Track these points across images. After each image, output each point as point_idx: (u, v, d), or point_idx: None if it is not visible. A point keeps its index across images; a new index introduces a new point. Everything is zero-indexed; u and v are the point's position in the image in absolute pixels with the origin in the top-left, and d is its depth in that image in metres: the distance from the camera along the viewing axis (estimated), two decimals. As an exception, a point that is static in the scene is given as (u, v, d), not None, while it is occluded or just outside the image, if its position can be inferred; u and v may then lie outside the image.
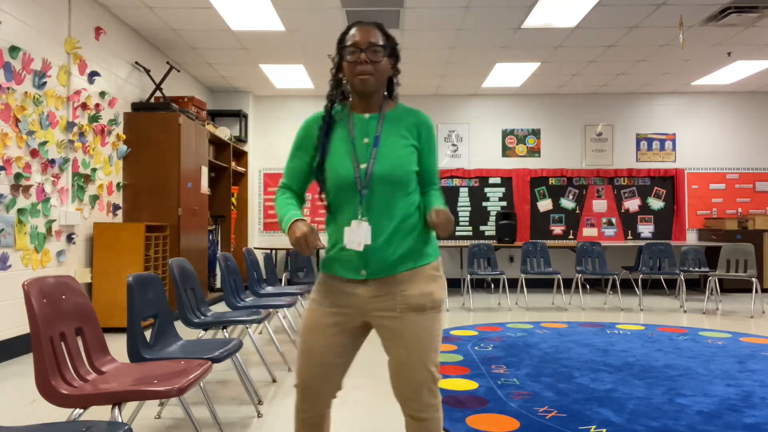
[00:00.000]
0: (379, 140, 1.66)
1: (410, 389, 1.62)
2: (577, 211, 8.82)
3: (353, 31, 1.65)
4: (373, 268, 1.62)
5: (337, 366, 1.67)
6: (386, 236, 1.62)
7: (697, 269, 7.06)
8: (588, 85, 8.35)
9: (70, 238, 4.79)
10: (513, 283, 8.45)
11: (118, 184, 5.61)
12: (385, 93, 1.75)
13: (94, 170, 5.14)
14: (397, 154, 1.64)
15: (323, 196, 1.72)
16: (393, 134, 1.67)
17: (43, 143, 4.38)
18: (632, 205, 8.81)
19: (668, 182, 8.81)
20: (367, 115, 1.69)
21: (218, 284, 7.77)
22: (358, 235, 1.59)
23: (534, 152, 8.86)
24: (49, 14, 4.54)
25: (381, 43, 1.64)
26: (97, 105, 5.23)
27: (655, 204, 8.80)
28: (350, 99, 1.74)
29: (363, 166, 1.63)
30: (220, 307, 6.57)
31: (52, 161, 4.50)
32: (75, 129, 4.83)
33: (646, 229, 8.79)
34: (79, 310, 2.03)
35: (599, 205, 8.81)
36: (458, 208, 8.81)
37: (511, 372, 3.75)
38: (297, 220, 1.58)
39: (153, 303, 2.57)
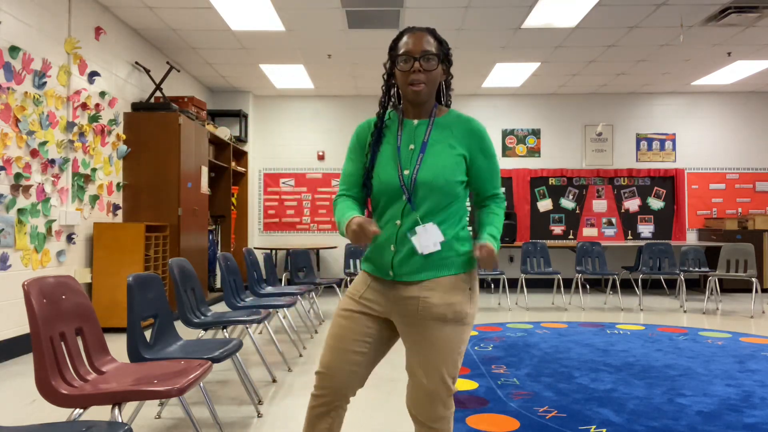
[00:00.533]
0: (426, 147, 1.64)
1: (423, 398, 1.61)
2: (577, 211, 8.82)
3: (406, 38, 1.63)
4: (400, 270, 1.63)
5: (359, 355, 1.65)
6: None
7: (697, 269, 7.06)
8: (588, 85, 8.36)
9: (70, 238, 4.79)
10: (513, 283, 8.45)
11: (118, 184, 5.61)
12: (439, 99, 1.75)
13: (94, 170, 5.14)
14: (443, 162, 1.62)
15: (370, 202, 1.75)
16: (440, 141, 1.66)
17: (43, 143, 4.38)
18: (632, 205, 8.81)
19: (668, 182, 8.81)
20: (416, 122, 1.69)
21: (218, 284, 7.77)
22: (426, 238, 1.59)
23: (534, 152, 8.86)
24: (49, 14, 4.54)
25: (434, 51, 1.62)
26: (97, 105, 5.23)
27: (655, 204, 8.80)
28: (401, 105, 1.73)
29: (406, 172, 1.62)
30: (220, 307, 6.57)
31: (52, 161, 4.50)
32: (75, 129, 4.83)
33: (646, 229, 8.79)
34: (79, 310, 2.03)
35: (599, 205, 8.81)
36: (458, 208, 8.80)
37: (511, 372, 3.75)
38: (352, 218, 1.57)
39: (153, 303, 2.57)
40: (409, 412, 1.67)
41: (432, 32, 1.65)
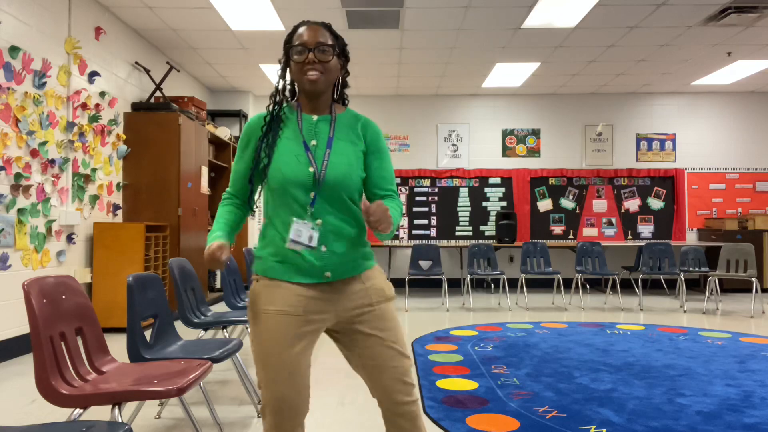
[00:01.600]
0: (332, 143, 1.63)
1: (398, 376, 1.62)
2: (577, 211, 8.82)
3: (301, 30, 1.62)
4: (339, 270, 1.60)
5: (307, 378, 1.59)
6: (346, 241, 1.61)
7: (697, 269, 7.06)
8: (588, 85, 8.35)
9: (70, 238, 4.79)
10: (513, 283, 8.45)
11: (118, 184, 5.61)
12: (335, 96, 1.74)
13: (94, 170, 5.14)
14: (348, 160, 1.62)
15: (255, 198, 1.70)
16: (343, 139, 1.65)
17: (43, 143, 4.38)
18: (632, 205, 8.81)
19: (668, 182, 8.81)
20: (315, 117, 1.66)
21: (218, 284, 7.77)
22: (305, 234, 1.56)
23: (534, 152, 8.86)
24: (49, 14, 4.54)
25: (329, 42, 1.61)
26: (97, 105, 5.23)
27: (655, 204, 8.80)
28: (297, 100, 1.71)
29: (311, 169, 1.59)
30: (220, 307, 6.57)
31: (52, 161, 4.50)
32: (75, 129, 4.83)
33: (646, 229, 8.79)
34: (79, 310, 2.03)
35: (599, 205, 8.81)
36: (458, 208, 8.81)
37: (511, 372, 3.75)
38: (212, 243, 1.56)
39: (153, 303, 2.57)
40: (385, 404, 1.62)
41: (328, 27, 1.64)
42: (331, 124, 1.66)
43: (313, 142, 1.63)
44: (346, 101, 1.77)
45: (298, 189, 1.58)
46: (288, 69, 1.66)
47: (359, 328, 1.63)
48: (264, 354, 1.55)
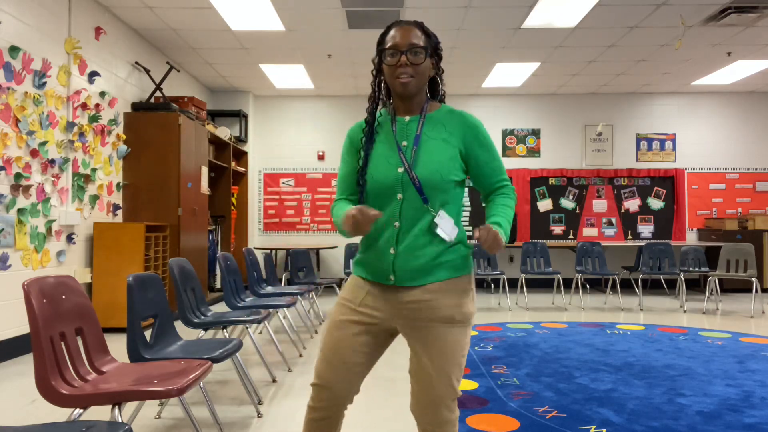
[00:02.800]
0: (419, 142, 1.60)
1: (429, 403, 1.57)
2: (577, 211, 8.82)
3: (393, 31, 1.60)
4: (401, 275, 1.58)
5: (357, 366, 1.61)
6: (416, 243, 1.57)
7: (697, 269, 7.06)
8: (588, 85, 8.35)
9: (70, 238, 4.79)
10: (513, 283, 8.45)
11: (118, 184, 5.61)
12: (428, 94, 1.71)
13: (94, 170, 5.14)
14: (437, 159, 1.58)
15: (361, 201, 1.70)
16: (434, 137, 1.61)
17: (43, 143, 4.38)
18: (632, 205, 8.81)
19: (668, 182, 8.81)
20: (407, 118, 1.65)
21: (218, 284, 7.77)
22: (446, 224, 1.55)
23: (534, 152, 8.86)
24: (49, 14, 4.54)
25: (422, 44, 1.58)
26: (97, 105, 5.23)
27: (655, 204, 8.80)
28: (391, 102, 1.69)
29: (400, 170, 1.58)
30: (220, 307, 6.57)
31: (52, 161, 4.50)
32: (75, 129, 4.83)
33: (646, 229, 8.79)
34: (79, 310, 2.03)
35: (599, 205, 8.81)
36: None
37: (511, 372, 3.75)
38: (347, 210, 1.52)
39: (153, 303, 2.57)
40: (414, 417, 1.62)
41: (420, 25, 1.62)
42: (419, 123, 1.63)
43: (404, 143, 1.62)
44: (443, 98, 1.73)
45: (389, 190, 1.59)
46: (381, 71, 1.65)
47: (408, 340, 1.63)
48: (323, 334, 1.68)
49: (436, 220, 1.56)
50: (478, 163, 1.64)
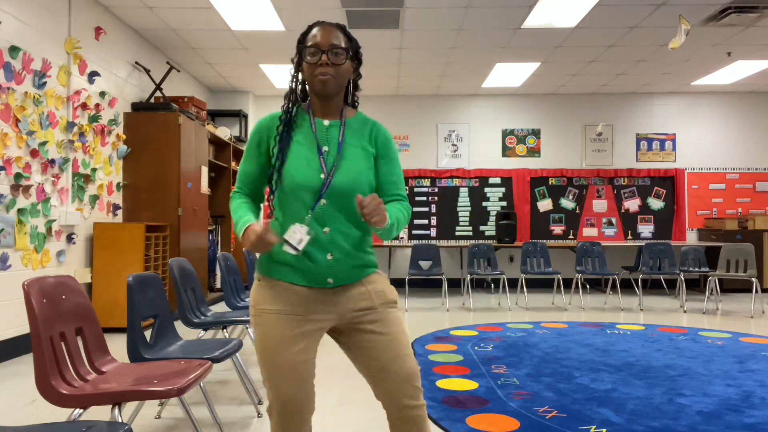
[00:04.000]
0: (342, 149, 1.62)
1: (405, 379, 1.60)
2: (577, 211, 8.82)
3: (315, 31, 1.60)
4: (341, 276, 1.60)
5: (312, 375, 1.60)
6: (353, 245, 1.61)
7: (697, 269, 7.06)
8: (588, 85, 8.35)
9: (70, 238, 4.79)
10: (513, 283, 8.45)
11: (118, 184, 5.61)
12: (346, 99, 1.72)
13: (94, 170, 5.14)
14: (358, 167, 1.61)
15: (271, 198, 1.67)
16: (354, 144, 1.64)
17: (43, 143, 4.38)
18: (632, 205, 8.81)
19: (668, 182, 8.81)
20: (326, 122, 1.65)
21: (218, 284, 7.77)
22: (297, 238, 1.52)
23: (534, 152, 8.86)
24: (49, 14, 4.54)
25: (343, 45, 1.59)
26: (97, 105, 5.23)
27: (655, 204, 8.80)
28: (308, 102, 1.69)
29: (322, 175, 1.58)
30: (220, 307, 6.57)
31: (52, 161, 4.50)
32: (75, 129, 4.83)
33: (646, 229, 8.79)
34: (79, 310, 2.03)
35: (599, 205, 8.81)
36: (458, 208, 8.81)
37: (511, 372, 3.75)
38: (250, 225, 1.52)
39: (153, 303, 2.57)
40: (388, 404, 1.61)
41: (342, 28, 1.63)
42: (340, 129, 1.65)
43: (326, 148, 1.62)
44: (357, 104, 1.75)
45: (308, 194, 1.57)
46: (300, 69, 1.65)
47: (362, 327, 1.63)
48: (267, 354, 1.56)
49: (287, 236, 1.52)
50: (383, 173, 1.69)
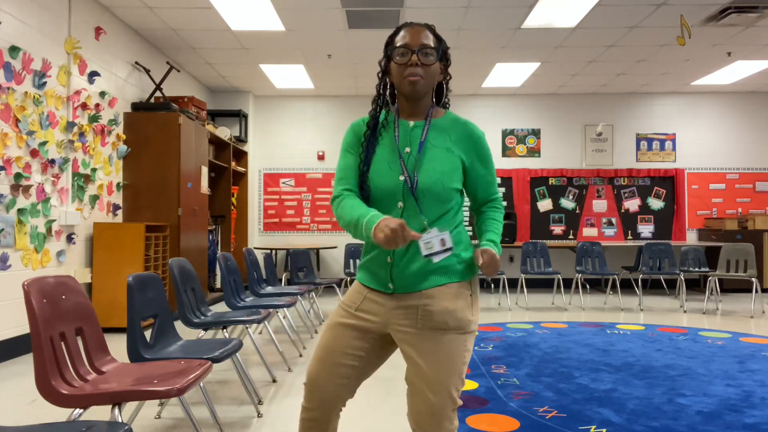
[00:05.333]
0: (423, 149, 1.57)
1: (427, 413, 1.51)
2: (577, 211, 8.82)
3: (404, 32, 1.57)
4: (400, 282, 1.56)
5: (350, 369, 1.59)
6: (413, 252, 1.55)
7: (697, 269, 7.06)
8: (588, 85, 8.35)
9: (70, 238, 4.79)
10: (513, 283, 8.45)
11: (118, 184, 5.61)
12: (434, 100, 1.67)
13: (94, 170, 5.14)
14: (440, 168, 1.56)
15: None
16: (438, 145, 1.59)
17: (43, 143, 4.38)
18: (632, 205, 8.81)
19: (668, 182, 8.81)
20: (411, 123, 1.61)
21: (218, 284, 7.77)
22: (437, 244, 1.46)
23: (534, 152, 8.86)
24: (49, 14, 4.54)
25: (432, 45, 1.56)
26: (97, 105, 5.23)
27: (655, 204, 8.80)
28: (396, 104, 1.66)
29: (402, 177, 1.55)
30: (220, 307, 6.57)
31: (52, 161, 4.50)
32: (75, 129, 4.83)
33: (646, 229, 8.79)
34: (79, 310, 2.03)
35: (599, 205, 8.81)
36: (458, 208, 8.80)
37: (511, 372, 3.75)
38: (381, 220, 1.42)
39: (153, 303, 2.57)
40: (411, 426, 1.57)
41: (431, 28, 1.60)
42: (424, 129, 1.60)
43: (407, 149, 1.58)
44: (447, 105, 1.70)
45: (390, 198, 1.55)
46: (388, 72, 1.62)
47: (402, 344, 1.59)
48: (320, 334, 1.68)
49: (422, 241, 1.46)
50: (477, 176, 1.65)
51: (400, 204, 1.55)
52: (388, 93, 1.66)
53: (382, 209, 1.57)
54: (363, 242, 1.69)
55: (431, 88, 1.62)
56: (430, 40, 1.57)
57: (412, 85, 1.55)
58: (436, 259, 1.46)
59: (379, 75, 1.64)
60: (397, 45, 1.56)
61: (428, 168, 1.55)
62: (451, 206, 1.59)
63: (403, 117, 1.64)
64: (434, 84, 1.61)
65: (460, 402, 1.55)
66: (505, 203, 8.62)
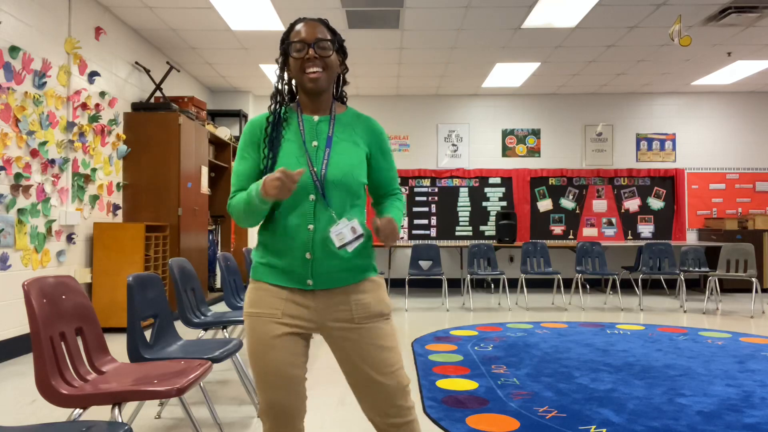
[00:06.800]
0: (331, 143, 1.58)
1: (387, 399, 1.55)
2: (577, 211, 8.82)
3: (298, 27, 1.57)
4: (321, 278, 1.54)
5: (300, 379, 1.56)
6: (332, 246, 1.54)
7: (697, 269, 7.06)
8: (588, 85, 8.35)
9: (70, 238, 4.79)
10: (513, 283, 8.45)
11: (118, 184, 5.61)
12: (334, 95, 1.69)
13: (94, 170, 5.14)
14: (350, 161, 1.58)
15: None
16: (345, 139, 1.61)
17: (43, 143, 4.38)
18: (632, 205, 8.81)
19: (668, 182, 8.81)
20: (316, 118, 1.62)
21: (218, 284, 7.77)
22: (347, 233, 1.50)
23: (534, 152, 8.86)
24: (49, 14, 4.54)
25: (328, 37, 1.57)
26: (97, 105, 5.23)
27: (655, 204, 8.80)
28: (297, 100, 1.66)
29: (312, 170, 1.54)
30: (220, 307, 6.57)
31: (52, 161, 4.50)
32: (75, 129, 4.83)
33: (646, 229, 8.79)
34: (79, 310, 2.03)
35: (599, 205, 8.81)
36: (458, 208, 8.81)
37: (511, 372, 3.75)
38: (264, 179, 1.44)
39: (153, 303, 2.57)
40: (375, 420, 1.57)
41: (325, 22, 1.61)
42: (330, 124, 1.62)
43: (314, 143, 1.58)
44: (345, 99, 1.73)
45: (301, 191, 1.54)
46: (286, 68, 1.62)
47: (341, 342, 1.58)
48: (253, 359, 1.55)
49: (332, 230, 1.51)
50: (380, 170, 1.68)
51: (312, 197, 1.54)
52: (286, 90, 1.67)
53: (292, 203, 1.54)
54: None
55: (332, 82, 1.63)
56: (325, 33, 1.58)
57: (313, 81, 1.56)
58: (350, 248, 1.51)
59: (277, 72, 1.64)
60: (293, 40, 1.57)
61: (338, 161, 1.57)
62: (360, 201, 1.61)
63: (306, 112, 1.64)
64: (334, 77, 1.63)
65: (409, 379, 1.61)
66: (504, 203, 8.72)
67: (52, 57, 4.57)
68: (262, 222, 1.60)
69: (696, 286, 8.70)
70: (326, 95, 1.63)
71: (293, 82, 1.67)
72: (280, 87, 1.64)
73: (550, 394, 3.25)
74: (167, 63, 6.59)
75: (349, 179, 1.56)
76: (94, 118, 5.12)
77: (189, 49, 6.62)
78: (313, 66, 1.55)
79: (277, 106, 1.63)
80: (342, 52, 1.65)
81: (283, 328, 1.54)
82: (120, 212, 5.66)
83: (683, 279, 6.83)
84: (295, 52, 1.56)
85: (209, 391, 3.38)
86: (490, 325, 5.58)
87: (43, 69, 4.42)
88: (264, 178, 1.44)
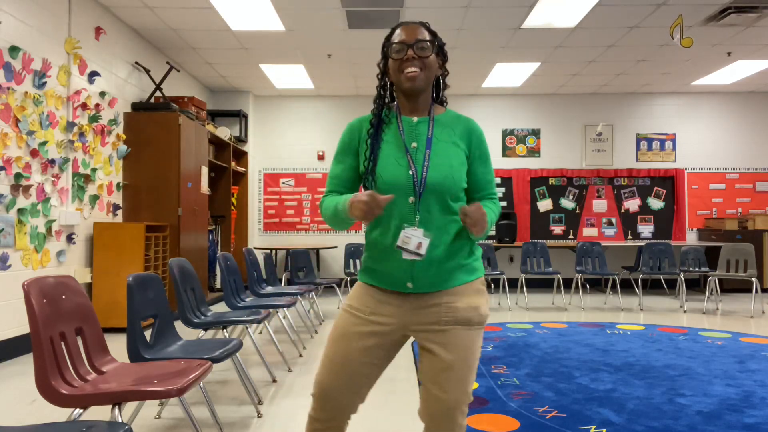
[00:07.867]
0: (431, 144, 1.58)
1: (444, 409, 1.52)
2: (577, 211, 8.82)
3: (399, 30, 1.59)
4: (423, 281, 1.54)
5: (365, 378, 1.57)
6: (441, 250, 1.54)
7: (697, 269, 7.06)
8: (588, 85, 8.35)
9: (70, 238, 4.79)
10: (513, 283, 8.45)
11: (118, 184, 5.61)
12: (433, 96, 1.68)
13: (94, 170, 5.14)
14: (450, 162, 1.56)
15: None
16: (444, 140, 1.59)
17: (43, 143, 4.38)
18: (632, 205, 8.81)
19: (668, 182, 8.81)
20: (415, 119, 1.62)
21: (218, 284, 7.77)
22: (413, 242, 1.50)
23: (534, 152, 8.86)
24: (49, 14, 4.54)
25: (428, 38, 1.58)
26: (97, 105, 5.23)
27: (655, 204, 8.80)
28: (396, 102, 1.67)
29: (411, 172, 1.54)
30: (220, 307, 6.57)
31: (52, 161, 4.50)
32: (75, 129, 4.82)
33: (646, 229, 8.79)
34: (79, 310, 2.03)
35: (599, 205, 8.81)
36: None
37: (511, 372, 3.75)
38: (354, 196, 1.46)
39: (153, 303, 2.57)
40: (425, 423, 1.56)
41: (425, 25, 1.62)
42: (429, 125, 1.61)
43: (414, 145, 1.58)
44: (445, 102, 1.72)
45: (400, 194, 1.54)
46: (386, 73, 1.63)
47: (424, 344, 1.57)
48: (328, 343, 1.61)
49: (403, 233, 1.50)
50: (476, 173, 1.64)
51: (411, 199, 1.54)
52: (388, 92, 1.67)
53: (393, 205, 1.55)
54: (363, 242, 1.66)
55: (430, 83, 1.62)
56: (425, 35, 1.58)
57: (410, 80, 1.55)
58: (405, 256, 1.51)
59: (379, 76, 1.65)
60: (394, 42, 1.58)
61: (438, 162, 1.56)
62: (458, 202, 1.59)
63: (405, 113, 1.64)
64: (432, 78, 1.62)
65: (472, 398, 1.57)
66: (504, 203, 8.72)
67: (52, 57, 4.57)
68: (368, 226, 1.62)
69: (696, 286, 8.70)
70: (424, 96, 1.63)
71: (393, 84, 1.66)
72: (381, 90, 1.65)
73: (550, 394, 3.25)
74: (167, 63, 6.59)
75: (450, 182, 1.55)
76: (94, 118, 5.12)
77: (189, 49, 6.62)
78: (411, 66, 1.55)
79: (378, 110, 1.64)
80: (442, 54, 1.64)
81: (365, 326, 1.57)
82: (120, 212, 5.66)
83: (683, 279, 6.83)
84: (394, 53, 1.57)
85: (209, 391, 3.38)
86: (490, 325, 5.58)
87: (43, 69, 4.42)
88: (352, 196, 1.47)
